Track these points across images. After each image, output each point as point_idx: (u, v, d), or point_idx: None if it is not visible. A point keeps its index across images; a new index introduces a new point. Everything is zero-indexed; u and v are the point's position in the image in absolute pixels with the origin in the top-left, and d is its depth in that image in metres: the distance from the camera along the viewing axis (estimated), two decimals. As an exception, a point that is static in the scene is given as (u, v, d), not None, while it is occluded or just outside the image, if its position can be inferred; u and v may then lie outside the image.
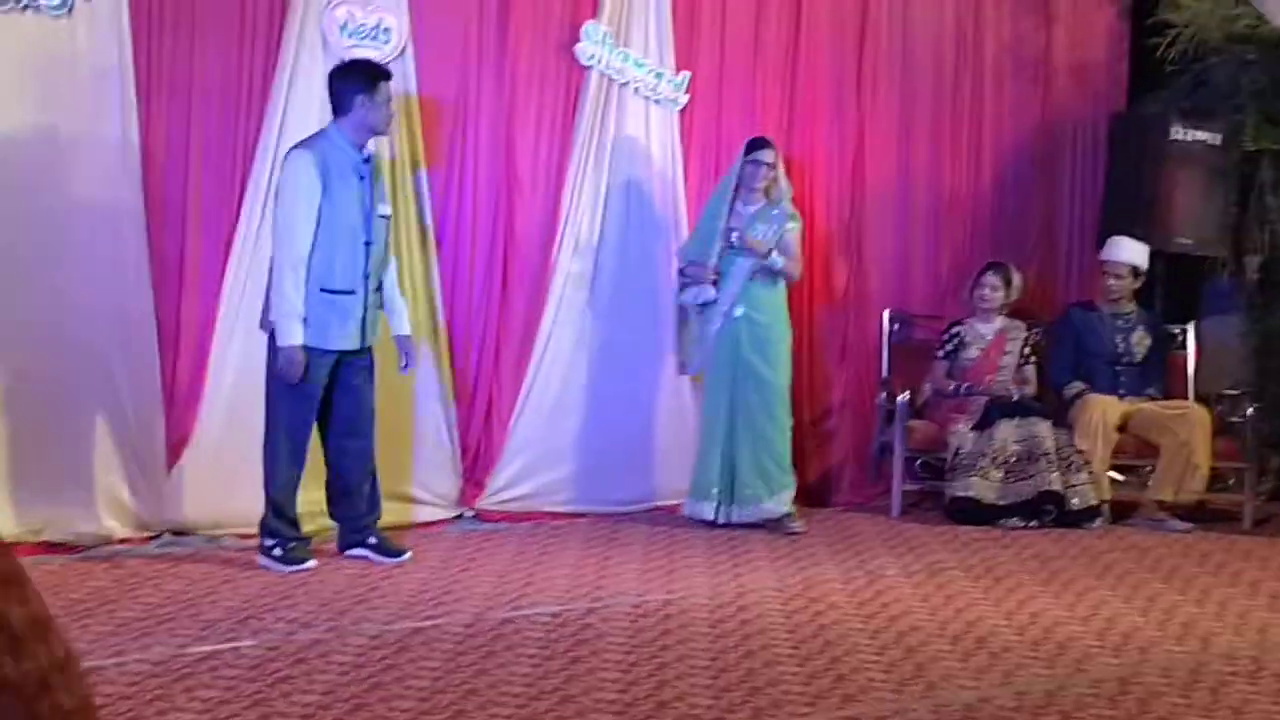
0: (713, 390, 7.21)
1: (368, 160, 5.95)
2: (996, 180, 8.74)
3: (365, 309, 5.91)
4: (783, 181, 7.24)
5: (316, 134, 5.90)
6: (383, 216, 6.04)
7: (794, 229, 7.25)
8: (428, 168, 6.82)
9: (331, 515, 6.11)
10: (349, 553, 6.03)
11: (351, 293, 5.83)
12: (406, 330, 6.20)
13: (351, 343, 5.87)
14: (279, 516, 5.86)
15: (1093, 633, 5.30)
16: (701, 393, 7.47)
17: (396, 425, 6.62)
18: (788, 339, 7.32)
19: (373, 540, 6.04)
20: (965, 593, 5.89)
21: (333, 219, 5.75)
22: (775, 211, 7.14)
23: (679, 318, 7.38)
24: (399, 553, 6.05)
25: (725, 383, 7.13)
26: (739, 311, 7.10)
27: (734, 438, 7.10)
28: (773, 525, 7.07)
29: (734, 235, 7.09)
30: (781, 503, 7.13)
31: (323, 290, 5.75)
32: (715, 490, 7.09)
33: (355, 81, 5.88)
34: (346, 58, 6.45)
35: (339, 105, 5.88)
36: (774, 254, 7.10)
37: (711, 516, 7.07)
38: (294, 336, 5.69)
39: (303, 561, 5.83)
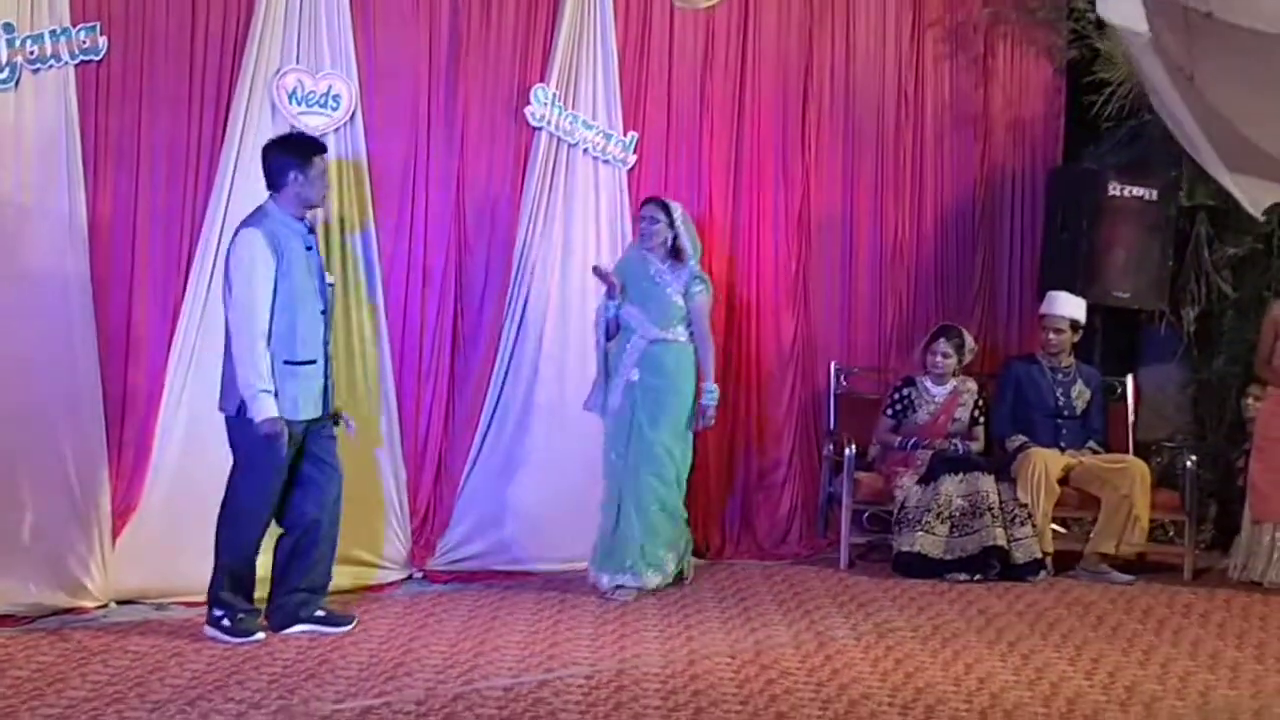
0: (606, 455, 7.02)
1: (311, 230, 5.97)
2: (939, 234, 8.87)
3: (326, 376, 5.93)
4: (686, 241, 7.02)
5: (258, 211, 5.86)
6: (329, 284, 6.05)
7: (699, 293, 7.04)
8: (377, 231, 6.83)
9: (276, 592, 6.01)
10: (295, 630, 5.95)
11: (313, 362, 5.84)
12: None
13: (316, 410, 5.87)
14: (234, 588, 5.82)
15: (1039, 698, 5.36)
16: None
17: (346, 489, 6.61)
18: (683, 400, 6.99)
19: (320, 613, 6.02)
20: (914, 656, 5.93)
21: (290, 292, 5.74)
22: (682, 269, 7.02)
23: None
24: (346, 621, 6.03)
25: (620, 448, 6.95)
26: (634, 376, 6.96)
27: (622, 505, 6.93)
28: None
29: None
30: (650, 578, 6.92)
31: (286, 362, 5.74)
32: (601, 557, 6.96)
33: (288, 156, 5.85)
34: (293, 126, 6.49)
35: (273, 181, 5.86)
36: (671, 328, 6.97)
37: (605, 586, 6.89)
38: (271, 409, 5.67)
39: (251, 633, 5.79)
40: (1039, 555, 7.67)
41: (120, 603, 6.21)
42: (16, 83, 5.89)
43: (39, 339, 6.02)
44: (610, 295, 6.96)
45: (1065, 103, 9.25)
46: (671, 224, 6.98)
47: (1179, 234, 8.83)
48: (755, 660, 5.77)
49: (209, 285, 6.34)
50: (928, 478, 7.74)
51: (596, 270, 7.01)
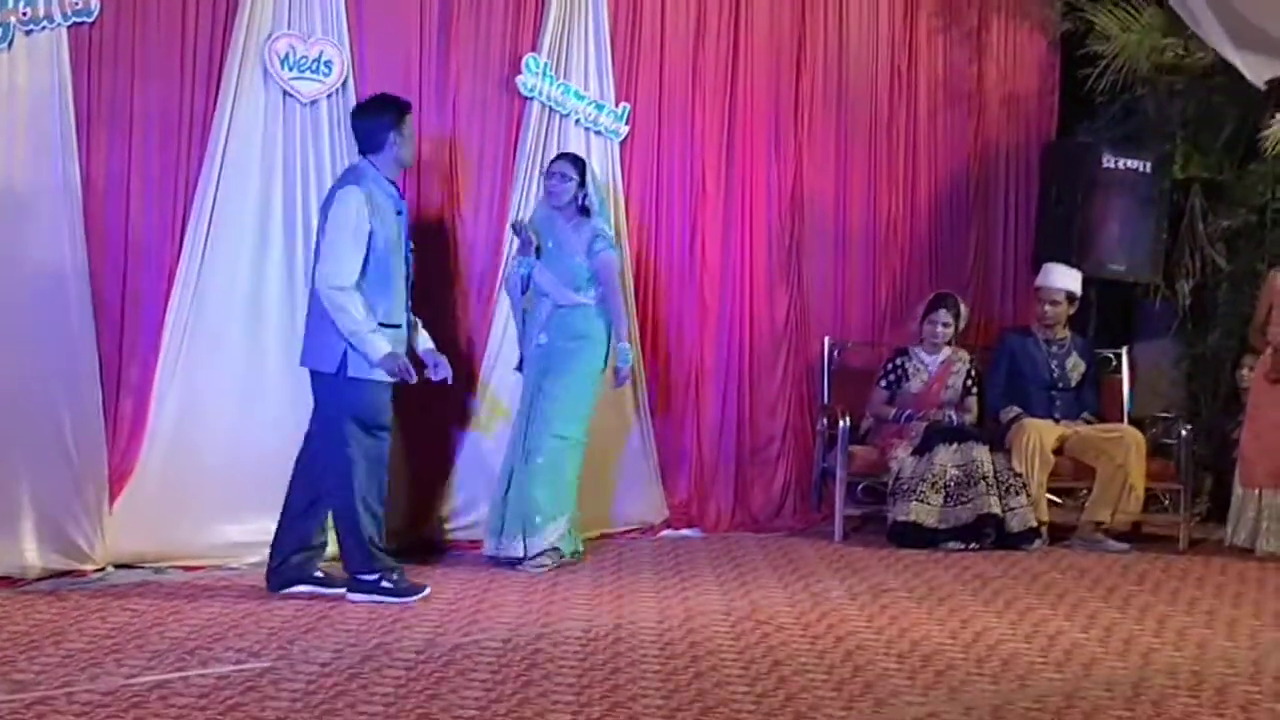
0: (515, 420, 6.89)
1: (402, 195, 6.08)
2: (933, 209, 8.89)
3: (408, 342, 6.01)
4: (594, 199, 6.87)
5: (353, 171, 5.93)
6: (412, 251, 6.11)
7: (602, 250, 6.80)
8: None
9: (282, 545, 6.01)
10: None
11: (398, 326, 5.92)
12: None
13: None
14: (377, 555, 5.86)
15: (1036, 649, 5.37)
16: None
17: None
18: (587, 360, 6.78)
19: (319, 574, 6.04)
20: (909, 613, 5.95)
21: (381, 256, 5.82)
22: (585, 227, 6.82)
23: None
24: (342, 584, 6.02)
25: (524, 408, 6.80)
26: (543, 339, 6.80)
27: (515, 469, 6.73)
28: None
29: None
30: (538, 542, 6.62)
31: (380, 325, 5.80)
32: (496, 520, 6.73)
33: (385, 117, 5.95)
34: (285, 91, 6.51)
35: (371, 143, 5.95)
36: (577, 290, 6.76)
37: (491, 551, 6.70)
38: (385, 345, 5.76)
39: (416, 591, 5.88)
40: (1034, 524, 7.69)
41: (118, 566, 6.20)
42: (9, 43, 5.88)
43: (34, 304, 6.01)
44: (524, 252, 6.81)
45: (1059, 77, 9.28)
46: (582, 182, 6.82)
47: (1173, 207, 8.86)
48: (751, 617, 5.77)
49: (204, 249, 6.37)
50: (922, 448, 7.75)
51: (515, 227, 6.85)
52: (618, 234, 7.49)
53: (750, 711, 4.40)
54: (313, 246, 6.05)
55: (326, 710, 4.25)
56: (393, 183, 6.00)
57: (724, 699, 4.53)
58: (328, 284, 5.74)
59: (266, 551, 6.04)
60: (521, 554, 6.58)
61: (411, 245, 6.12)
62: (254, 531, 6.37)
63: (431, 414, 6.97)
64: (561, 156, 6.96)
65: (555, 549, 6.66)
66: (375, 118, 5.97)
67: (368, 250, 5.76)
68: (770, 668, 4.95)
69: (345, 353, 5.76)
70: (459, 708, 4.32)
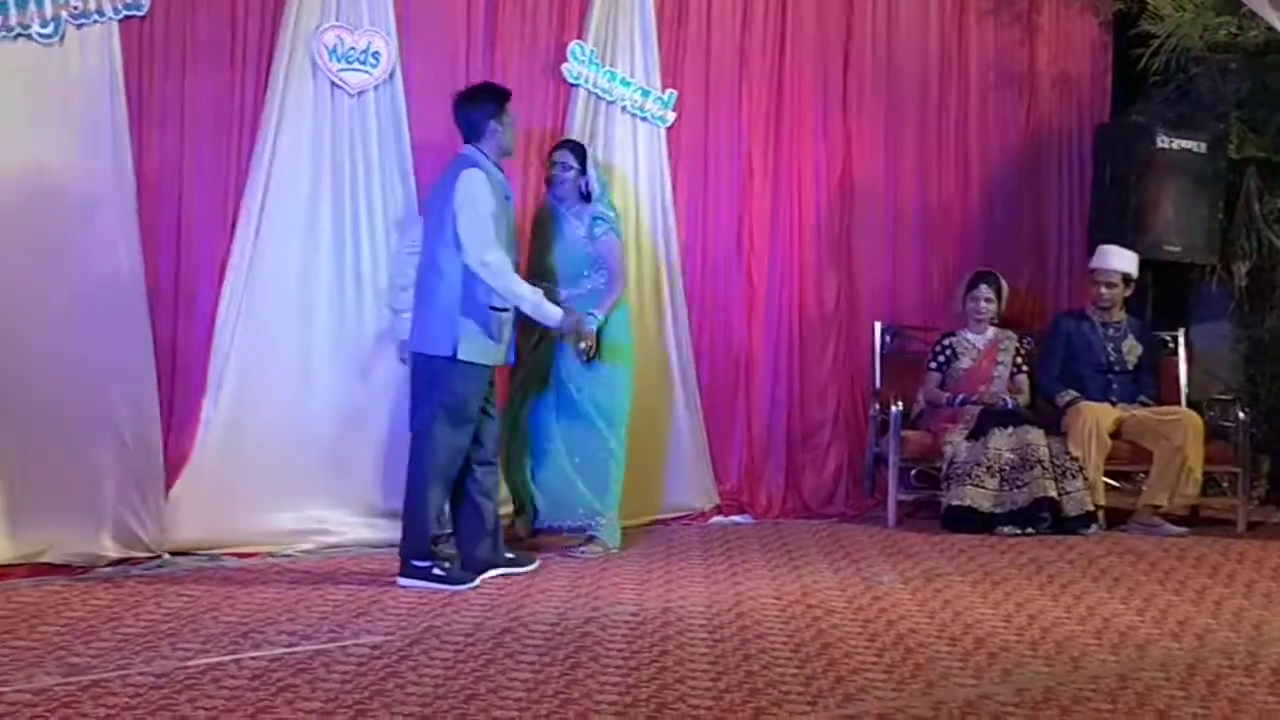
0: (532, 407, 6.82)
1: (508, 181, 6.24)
2: (984, 192, 8.83)
3: (514, 325, 6.15)
4: (595, 184, 6.80)
5: (465, 158, 6.05)
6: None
7: (604, 233, 6.73)
8: (419, 190, 6.85)
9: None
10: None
11: (507, 310, 6.03)
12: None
13: (505, 358, 6.16)
14: (430, 544, 5.94)
15: (1090, 631, 5.33)
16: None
17: (395, 442, 6.68)
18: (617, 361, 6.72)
19: (509, 555, 6.25)
20: (963, 597, 5.91)
21: (503, 238, 5.97)
22: (585, 211, 6.77)
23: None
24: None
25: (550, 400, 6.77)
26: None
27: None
28: None
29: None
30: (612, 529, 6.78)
31: (491, 308, 5.92)
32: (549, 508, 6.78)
33: (488, 105, 6.10)
34: (334, 83, 6.56)
35: (474, 132, 6.09)
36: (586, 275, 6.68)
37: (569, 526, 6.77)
38: (555, 309, 6.11)
39: (467, 580, 5.92)
40: (1090, 508, 7.61)
41: (174, 554, 6.25)
42: (61, 37, 5.96)
43: (89, 296, 6.07)
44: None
45: (1112, 58, 9.20)
46: (583, 170, 6.76)
47: (1229, 187, 8.75)
48: (801, 601, 5.76)
49: (254, 239, 6.42)
50: (976, 432, 7.69)
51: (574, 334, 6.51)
52: (667, 219, 7.53)
53: (799, 693, 4.40)
54: (443, 232, 5.99)
55: (375, 691, 4.28)
56: (500, 168, 6.11)
57: (772, 680, 4.52)
58: (482, 259, 5.85)
59: (319, 539, 6.09)
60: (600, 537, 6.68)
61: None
62: (306, 519, 6.49)
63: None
64: (561, 145, 6.89)
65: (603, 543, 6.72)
66: (477, 107, 6.08)
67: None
68: (820, 650, 4.94)
69: (458, 337, 5.86)
70: (506, 689, 4.33)
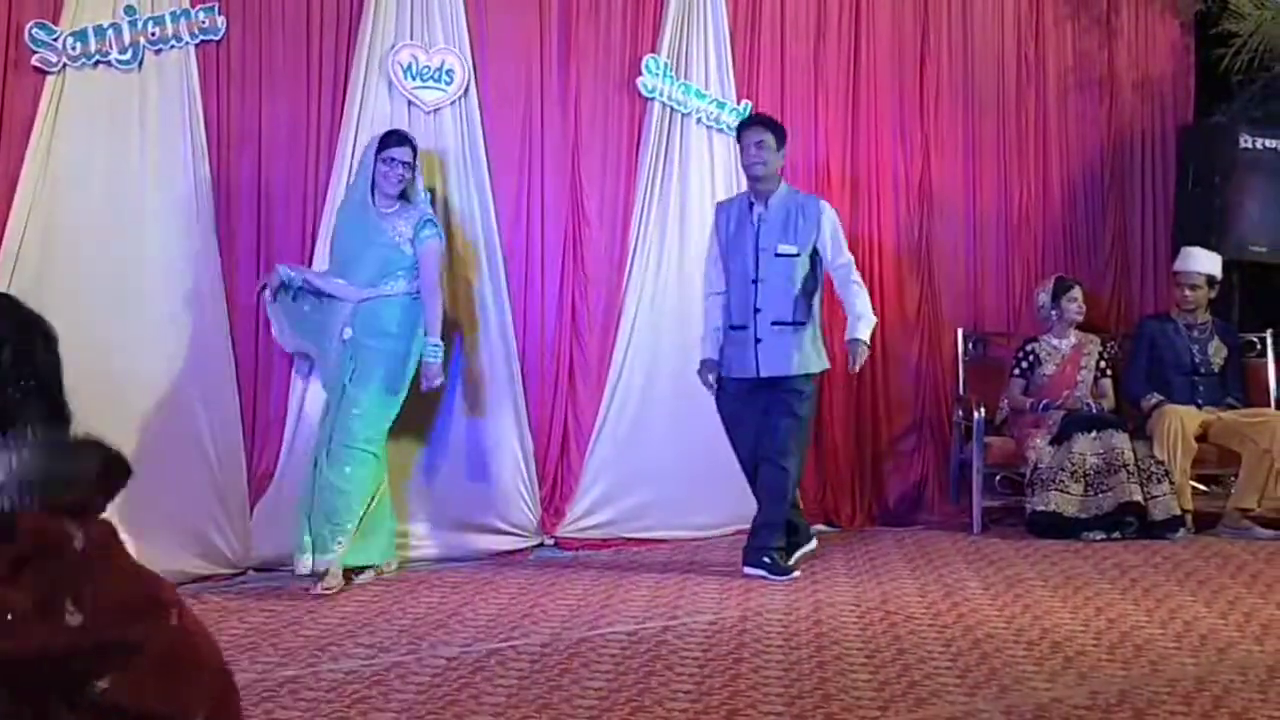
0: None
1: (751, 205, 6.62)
2: (1066, 196, 8.77)
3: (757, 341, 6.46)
4: (421, 183, 6.42)
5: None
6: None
7: (430, 238, 6.26)
8: (495, 204, 6.92)
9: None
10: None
11: (744, 328, 6.43)
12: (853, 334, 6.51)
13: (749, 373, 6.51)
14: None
15: (1170, 635, 5.27)
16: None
17: (476, 456, 6.76)
18: (397, 362, 6.26)
19: (767, 560, 6.46)
20: (1043, 601, 5.87)
21: None
22: (410, 211, 6.30)
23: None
24: (787, 571, 6.45)
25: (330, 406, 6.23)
26: (347, 334, 6.19)
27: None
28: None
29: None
30: (329, 552, 6.07)
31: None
32: (305, 536, 6.11)
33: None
34: (409, 101, 6.67)
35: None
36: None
37: (306, 569, 6.07)
38: None
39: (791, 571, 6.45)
40: (1178, 512, 7.51)
41: (257, 570, 6.37)
42: (140, 63, 6.11)
43: (171, 315, 6.20)
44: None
45: (1194, 58, 9.10)
46: (414, 165, 6.30)
47: (1315, 187, 8.62)
48: (880, 607, 5.75)
49: (331, 257, 6.49)
50: (1061, 437, 7.63)
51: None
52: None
53: (871, 698, 4.39)
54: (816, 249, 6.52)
55: (450, 701, 4.32)
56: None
57: (845, 686, 4.52)
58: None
59: (400, 553, 6.19)
60: (317, 567, 6.07)
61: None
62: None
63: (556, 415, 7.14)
64: (402, 139, 6.27)
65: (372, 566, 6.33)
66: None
67: None
68: (895, 655, 4.93)
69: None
70: (579, 698, 4.36)
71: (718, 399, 6.63)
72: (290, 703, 4.32)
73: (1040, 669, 4.76)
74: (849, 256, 6.59)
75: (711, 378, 6.57)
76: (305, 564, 6.06)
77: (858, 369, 6.55)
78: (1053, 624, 5.44)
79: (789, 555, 6.60)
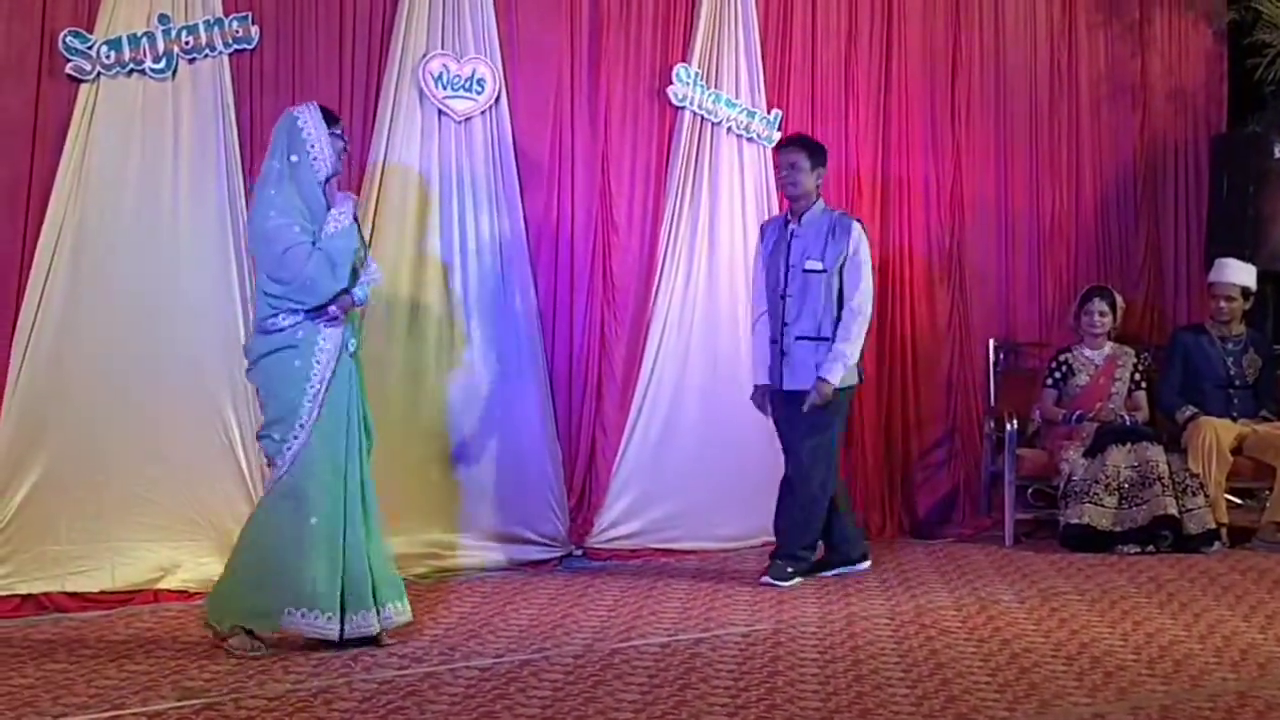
0: (320, 455, 5.19)
1: (786, 222, 6.69)
2: (1098, 206, 8.72)
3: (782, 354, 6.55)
4: None
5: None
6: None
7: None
8: (526, 213, 6.90)
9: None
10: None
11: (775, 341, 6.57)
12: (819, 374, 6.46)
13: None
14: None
15: (1210, 649, 5.22)
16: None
17: (505, 467, 6.73)
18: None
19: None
20: (1080, 616, 5.81)
21: None
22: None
23: None
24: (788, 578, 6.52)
25: (338, 440, 5.22)
26: (352, 346, 5.30)
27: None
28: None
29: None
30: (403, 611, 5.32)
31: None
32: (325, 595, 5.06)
33: None
34: (441, 110, 6.64)
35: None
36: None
37: (335, 634, 5.07)
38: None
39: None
40: (1213, 526, 7.43)
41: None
42: (174, 72, 6.09)
43: (206, 327, 6.14)
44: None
45: (1226, 68, 9.04)
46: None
47: (1349, 197, 8.54)
48: (915, 620, 5.70)
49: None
50: (1094, 449, 7.56)
51: None
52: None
53: (910, 713, 4.35)
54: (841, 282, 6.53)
55: (483, 713, 4.30)
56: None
57: (884, 700, 4.48)
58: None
59: (432, 563, 6.23)
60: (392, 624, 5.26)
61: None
62: (419, 543, 6.51)
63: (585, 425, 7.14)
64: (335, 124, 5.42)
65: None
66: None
67: None
68: (933, 670, 4.88)
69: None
70: (614, 710, 4.33)
71: (772, 409, 6.74)
72: (325, 713, 4.30)
73: (1080, 684, 4.71)
74: (864, 290, 6.51)
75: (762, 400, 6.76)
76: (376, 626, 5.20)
77: (807, 409, 6.45)
78: (1090, 638, 5.39)
79: (831, 566, 6.71)
